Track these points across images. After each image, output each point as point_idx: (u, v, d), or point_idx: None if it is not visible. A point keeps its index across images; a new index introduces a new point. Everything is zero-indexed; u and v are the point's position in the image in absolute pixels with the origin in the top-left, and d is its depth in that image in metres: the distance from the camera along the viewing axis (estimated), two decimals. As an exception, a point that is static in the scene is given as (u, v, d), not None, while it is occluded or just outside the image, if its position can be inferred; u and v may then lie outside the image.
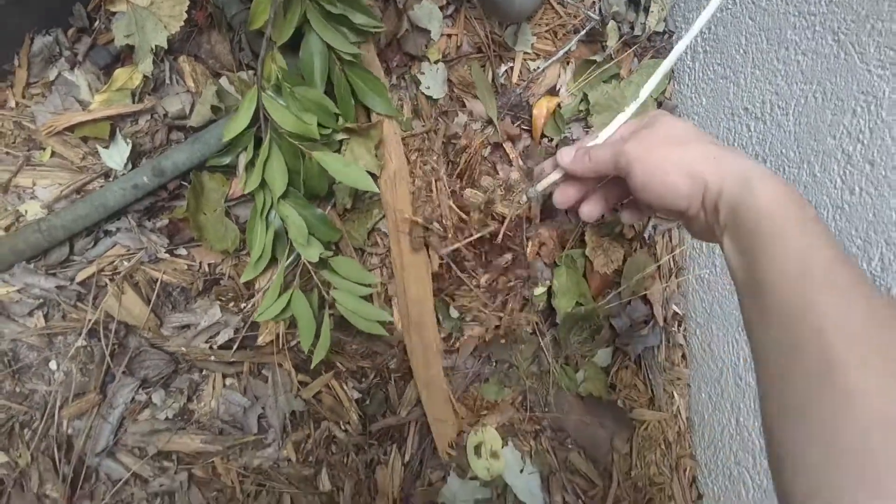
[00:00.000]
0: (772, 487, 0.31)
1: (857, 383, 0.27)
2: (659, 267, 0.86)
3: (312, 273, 0.70)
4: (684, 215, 0.40)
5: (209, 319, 0.72)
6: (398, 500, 0.76)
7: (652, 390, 0.86)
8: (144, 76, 0.69)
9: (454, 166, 0.78)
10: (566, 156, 0.47)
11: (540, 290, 0.80)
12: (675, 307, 0.87)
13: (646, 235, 0.86)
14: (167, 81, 0.71)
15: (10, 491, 0.68)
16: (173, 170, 0.67)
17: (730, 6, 0.74)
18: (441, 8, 0.77)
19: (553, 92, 0.82)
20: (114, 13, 0.68)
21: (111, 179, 0.70)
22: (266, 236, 0.69)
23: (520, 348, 0.82)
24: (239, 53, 0.72)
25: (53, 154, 0.70)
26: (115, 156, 0.69)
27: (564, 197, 0.49)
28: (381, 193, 0.74)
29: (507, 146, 0.80)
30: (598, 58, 0.80)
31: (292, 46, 0.65)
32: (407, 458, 0.78)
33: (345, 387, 0.77)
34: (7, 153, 0.69)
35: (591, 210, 0.48)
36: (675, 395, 0.87)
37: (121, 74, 0.69)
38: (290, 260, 0.71)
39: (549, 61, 0.81)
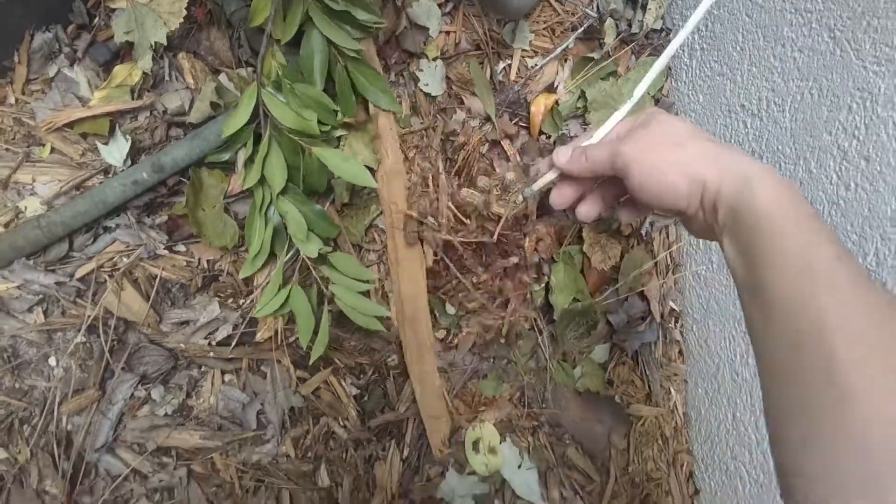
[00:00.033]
0: (768, 482, 0.32)
1: (857, 381, 0.27)
2: (656, 263, 0.86)
3: (311, 269, 0.70)
4: (683, 215, 0.40)
5: (208, 315, 0.72)
6: (397, 495, 0.77)
7: (649, 386, 0.86)
8: (144, 73, 0.69)
9: (452, 163, 0.78)
10: (562, 156, 0.46)
11: (537, 287, 0.81)
12: (671, 303, 0.88)
13: (643, 232, 0.86)
14: (166, 78, 0.71)
15: (10, 487, 0.68)
16: (172, 166, 0.67)
17: (727, 3, 0.74)
18: (439, 5, 0.77)
19: (551, 89, 0.83)
20: (113, 10, 0.68)
21: (110, 176, 0.70)
22: (265, 232, 0.69)
23: (518, 344, 0.82)
24: (238, 50, 0.72)
25: (53, 150, 0.70)
26: (115, 152, 0.69)
27: (561, 198, 0.48)
28: (377, 189, 0.74)
29: (505, 143, 0.80)
30: (595, 55, 0.81)
31: (291, 43, 0.65)
32: (405, 453, 0.78)
33: (343, 383, 0.77)
34: (7, 149, 0.69)
35: (588, 210, 0.47)
36: (672, 390, 0.87)
37: (120, 71, 0.69)
38: (288, 256, 0.71)
39: (547, 58, 0.82)
